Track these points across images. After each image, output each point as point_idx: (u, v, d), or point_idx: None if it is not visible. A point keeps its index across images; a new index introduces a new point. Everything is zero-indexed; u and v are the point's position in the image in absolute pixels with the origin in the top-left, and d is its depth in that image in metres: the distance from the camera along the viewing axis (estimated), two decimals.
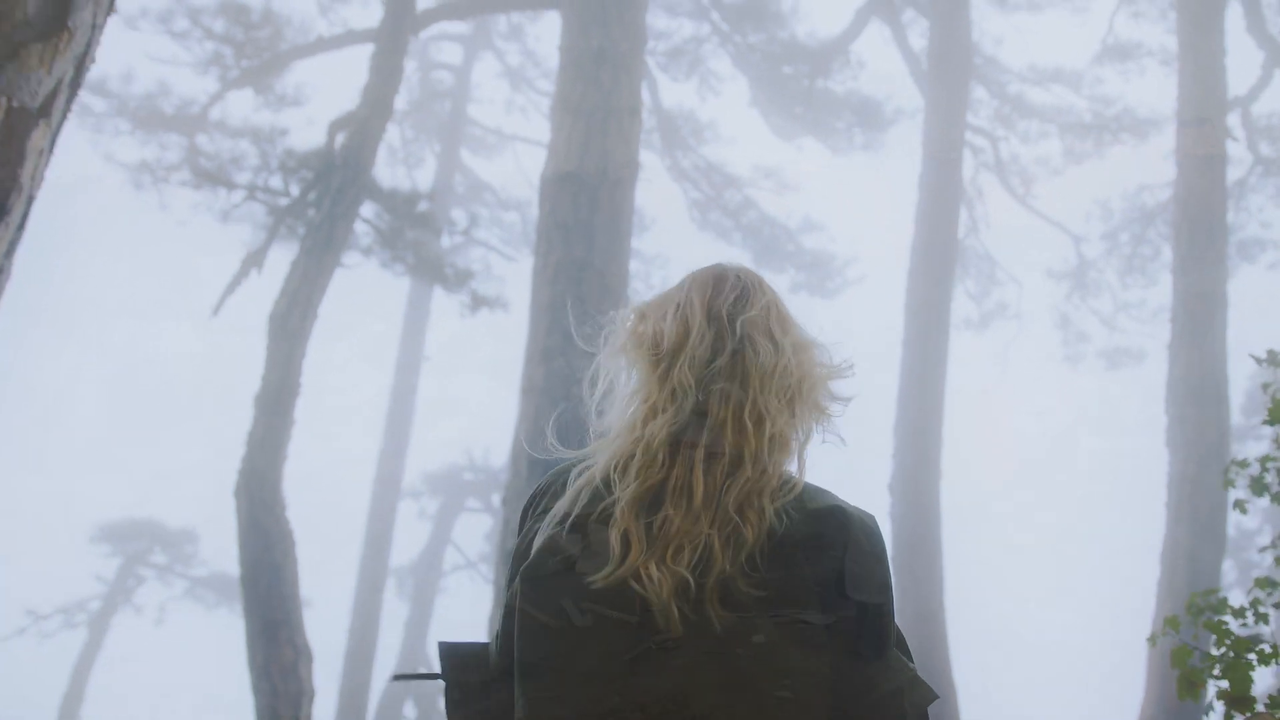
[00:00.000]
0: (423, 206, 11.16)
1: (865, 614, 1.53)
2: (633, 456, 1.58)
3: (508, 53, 22.51)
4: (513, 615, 1.55)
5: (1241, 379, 16.91)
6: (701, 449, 1.58)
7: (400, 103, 23.05)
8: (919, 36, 17.32)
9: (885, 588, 1.57)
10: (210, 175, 11.84)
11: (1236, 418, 16.76)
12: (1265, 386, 5.53)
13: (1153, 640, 3.83)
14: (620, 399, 1.70)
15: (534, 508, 1.71)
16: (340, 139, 10.35)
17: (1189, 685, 3.76)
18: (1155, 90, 17.13)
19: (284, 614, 8.64)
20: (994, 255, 18.82)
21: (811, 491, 1.61)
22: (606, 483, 1.59)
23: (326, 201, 9.70)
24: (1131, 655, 10.77)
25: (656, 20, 20.23)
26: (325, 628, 19.68)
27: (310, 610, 21.75)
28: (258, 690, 8.50)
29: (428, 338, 19.10)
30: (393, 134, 22.55)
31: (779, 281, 21.85)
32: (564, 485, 1.66)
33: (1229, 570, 18.40)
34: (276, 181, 11.13)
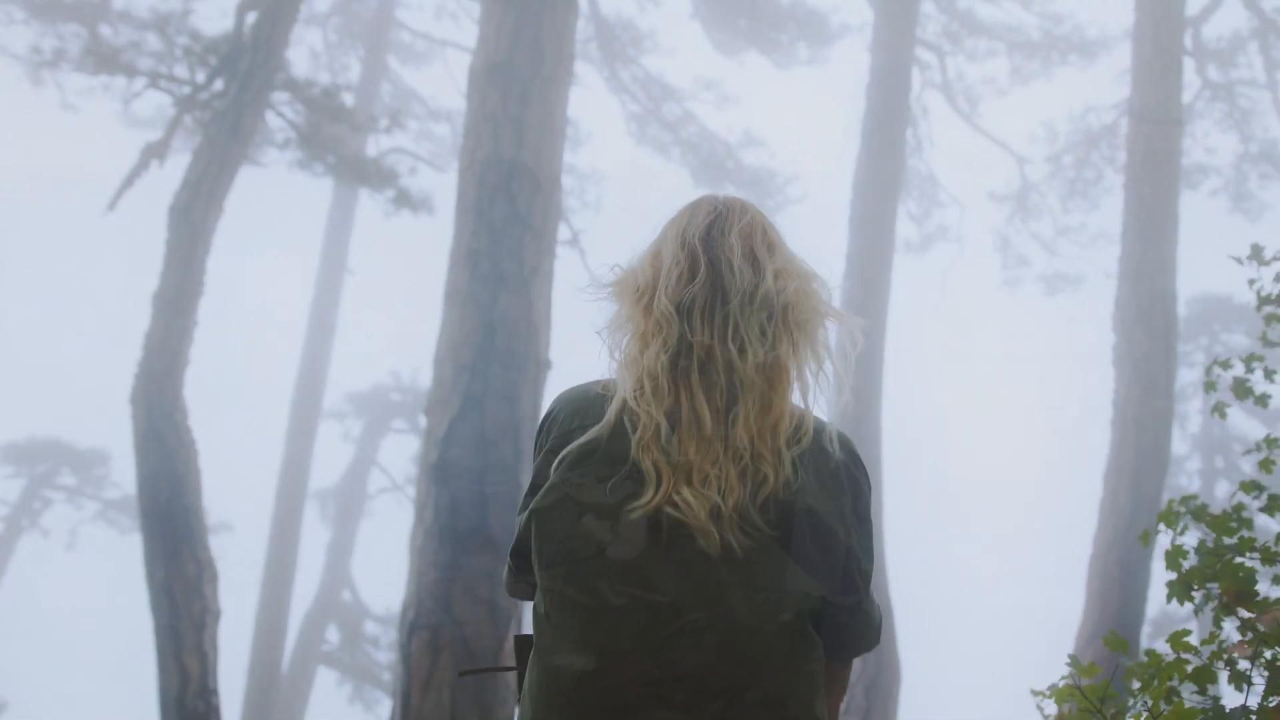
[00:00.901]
0: (342, 99, 10.33)
1: (853, 576, 1.68)
2: (640, 389, 1.60)
3: None
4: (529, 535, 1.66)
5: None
6: (695, 374, 1.60)
7: (322, 3, 21.84)
8: None
9: (869, 552, 1.70)
10: (109, 61, 10.86)
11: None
12: (1251, 283, 5.14)
13: (1144, 538, 3.41)
14: (617, 338, 1.71)
15: (545, 435, 1.73)
16: (250, 20, 9.46)
17: (1184, 588, 3.38)
18: (1107, 6, 16.73)
19: (186, 528, 8.01)
20: (937, 176, 18.46)
21: (823, 451, 1.65)
22: (622, 420, 1.61)
23: (234, 87, 8.86)
24: (1073, 570, 10.62)
25: None
26: (244, 551, 19.08)
27: (230, 534, 21.15)
28: (156, 609, 7.90)
29: (351, 249, 18.24)
30: (314, 37, 21.37)
31: None
32: (573, 416, 1.68)
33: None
34: (182, 70, 10.21)
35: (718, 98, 18.76)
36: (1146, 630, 11.88)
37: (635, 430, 1.59)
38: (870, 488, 1.75)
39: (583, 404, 1.70)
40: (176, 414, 8.17)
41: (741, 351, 1.61)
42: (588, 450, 1.61)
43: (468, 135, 9.72)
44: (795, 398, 1.67)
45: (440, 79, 22.79)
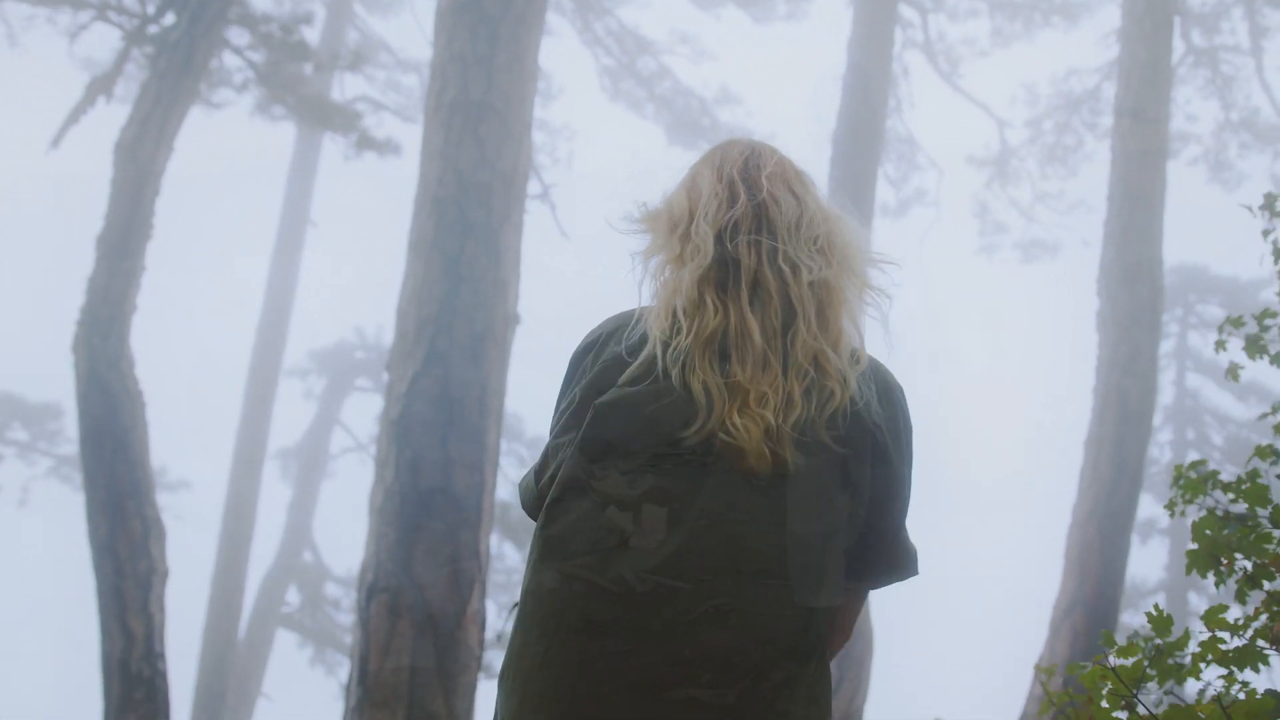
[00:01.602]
0: (302, 35, 9.80)
1: (890, 528, 1.72)
2: (677, 308, 1.59)
3: None
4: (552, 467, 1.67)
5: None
6: (745, 291, 1.59)
7: None
8: None
9: (910, 482, 1.75)
10: None
11: None
12: (1265, 234, 4.84)
13: (1170, 506, 3.10)
14: (652, 268, 1.69)
15: (592, 355, 1.71)
16: None
17: (1211, 560, 3.08)
18: None
19: (131, 484, 7.59)
20: (916, 138, 18.12)
21: (881, 374, 1.70)
22: (663, 340, 1.60)
23: (185, 18, 8.33)
24: (1052, 539, 10.43)
25: None
26: (204, 510, 18.62)
27: (189, 491, 20.64)
28: (99, 569, 7.48)
29: (315, 201, 17.64)
30: None
31: (692, 159, 20.97)
32: (614, 336, 1.67)
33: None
34: (132, 2, 9.63)
35: (694, 52, 18.30)
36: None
37: (680, 353, 1.57)
38: (912, 424, 1.76)
39: (624, 324, 1.68)
40: (122, 363, 7.72)
41: (795, 271, 1.62)
42: (640, 374, 1.59)
43: (434, 77, 9.26)
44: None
45: (409, 28, 22.10)
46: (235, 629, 16.18)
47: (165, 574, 7.75)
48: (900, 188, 18.98)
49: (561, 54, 20.35)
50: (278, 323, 16.66)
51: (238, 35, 10.21)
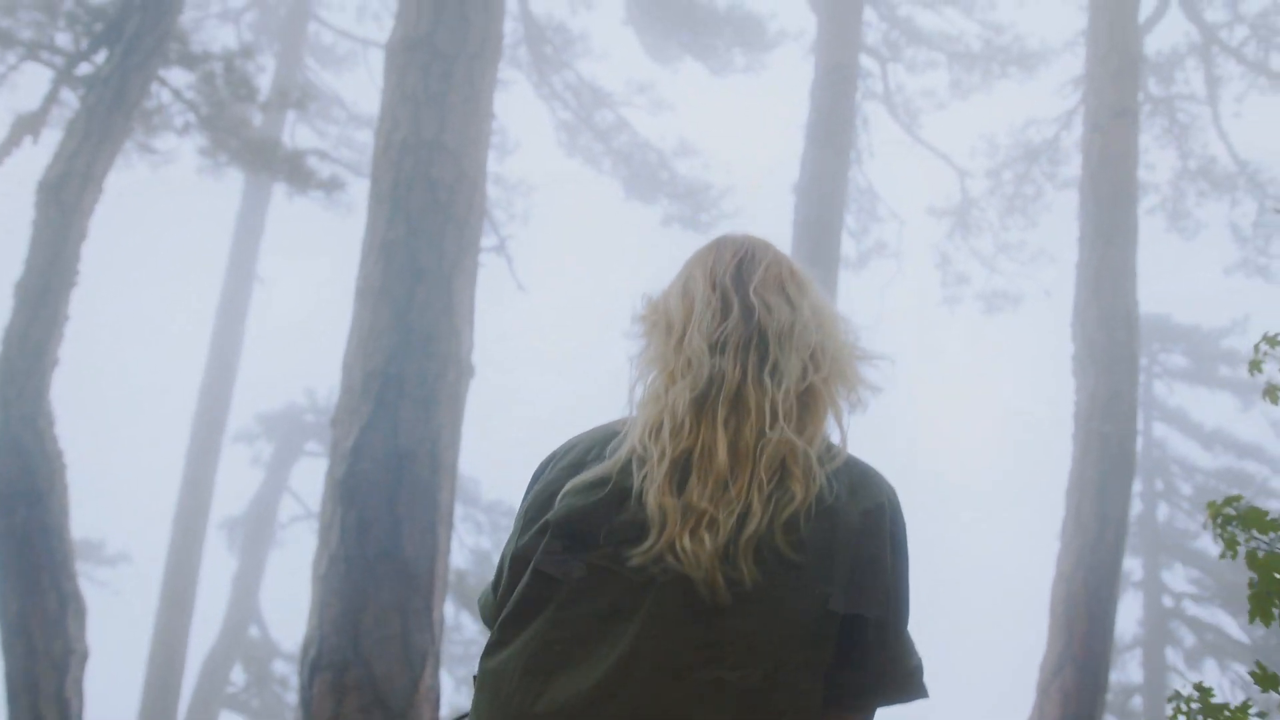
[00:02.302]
0: (246, 73, 9.33)
1: (872, 624, 1.57)
2: (660, 425, 1.58)
3: None
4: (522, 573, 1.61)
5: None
6: (723, 408, 1.57)
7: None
8: None
9: (906, 579, 1.62)
10: None
11: None
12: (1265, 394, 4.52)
13: (1230, 544, 2.64)
14: (643, 374, 1.67)
15: (550, 465, 1.70)
16: None
17: (1266, 603, 2.62)
18: (1049, 16, 16.43)
19: (47, 554, 6.90)
20: (876, 189, 17.94)
21: (859, 468, 1.62)
22: (640, 456, 1.58)
23: (118, 50, 7.84)
24: (1035, 594, 9.96)
25: None
26: (144, 584, 17.64)
27: (129, 565, 19.63)
28: (8, 650, 6.75)
29: (262, 256, 17.03)
30: (226, 35, 20.24)
31: (650, 214, 20.46)
32: (590, 448, 1.66)
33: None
34: (66, 40, 9.13)
35: (651, 103, 18.07)
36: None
37: (650, 472, 1.55)
38: (904, 522, 1.65)
39: (602, 438, 1.67)
40: (40, 420, 7.07)
41: (780, 382, 1.60)
42: (595, 483, 1.58)
43: (384, 116, 8.82)
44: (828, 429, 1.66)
45: (363, 83, 21.72)
46: (174, 711, 15.19)
47: (84, 655, 7.03)
48: (860, 239, 18.75)
49: (518, 108, 20.09)
50: (221, 384, 15.93)
51: (178, 77, 9.74)
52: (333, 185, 10.53)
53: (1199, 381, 19.13)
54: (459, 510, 20.21)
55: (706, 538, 1.50)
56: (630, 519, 1.54)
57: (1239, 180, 16.86)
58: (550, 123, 19.55)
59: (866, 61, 16.51)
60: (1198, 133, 16.63)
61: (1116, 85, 10.58)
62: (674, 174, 18.66)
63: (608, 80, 18.61)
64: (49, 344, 7.19)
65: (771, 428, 1.56)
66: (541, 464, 1.73)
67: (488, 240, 16.18)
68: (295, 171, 10.32)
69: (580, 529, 1.56)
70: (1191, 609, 17.71)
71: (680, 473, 1.55)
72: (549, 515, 1.59)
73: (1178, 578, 18.48)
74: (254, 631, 17.72)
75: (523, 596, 1.56)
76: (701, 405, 1.58)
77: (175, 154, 21.12)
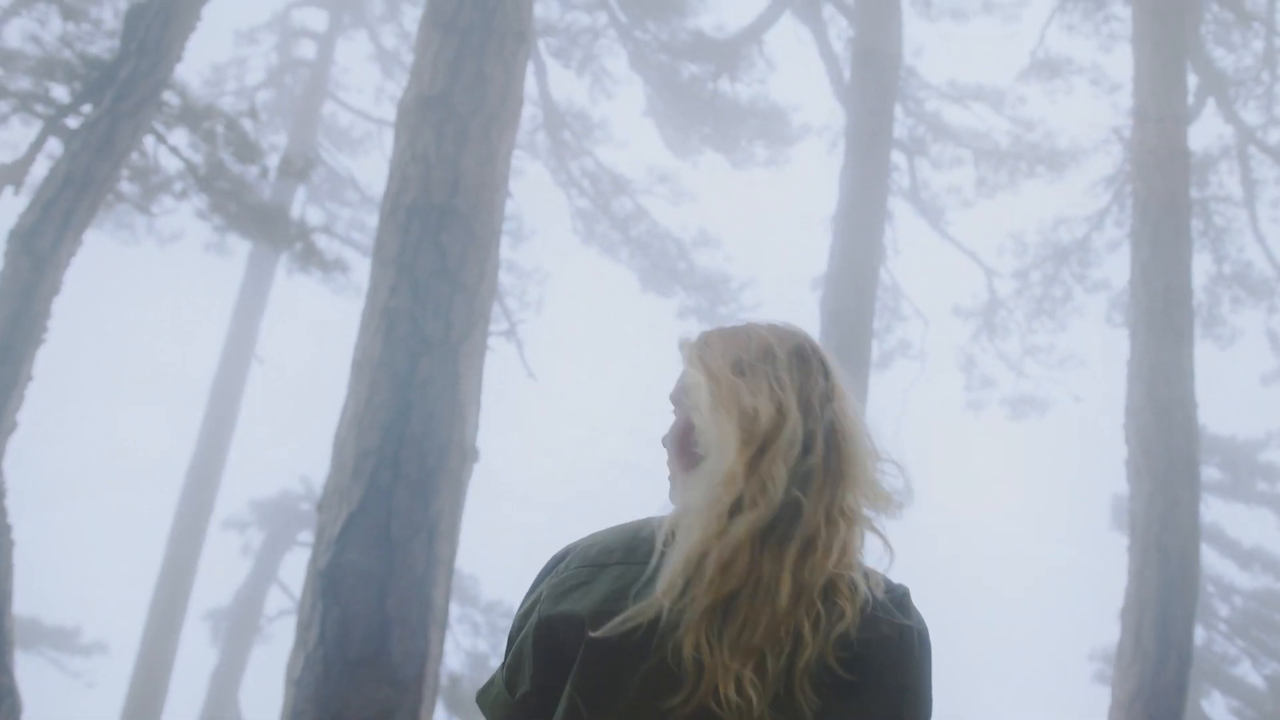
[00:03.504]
0: (246, 131, 8.81)
1: None
2: (705, 557, 1.46)
3: (381, 34, 20.33)
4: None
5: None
6: (795, 545, 1.50)
7: (252, 76, 20.57)
8: (835, 38, 15.91)
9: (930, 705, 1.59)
10: None
11: None
12: None
13: None
14: (701, 471, 1.54)
15: (556, 570, 1.60)
16: (141, 28, 7.96)
17: None
18: (1081, 112, 16.06)
19: None
20: (901, 287, 17.38)
21: (893, 587, 1.60)
22: (683, 584, 1.46)
23: (109, 95, 7.30)
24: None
25: (548, 10, 18.43)
26: (120, 677, 16.59)
27: (104, 657, 18.57)
28: None
29: (262, 335, 16.43)
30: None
31: (666, 306, 19.91)
32: (610, 551, 1.58)
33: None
34: (61, 93, 8.63)
35: (672, 192, 17.66)
36: None
37: (686, 610, 1.45)
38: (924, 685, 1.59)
39: (624, 541, 1.57)
40: None
41: (849, 520, 1.55)
42: (633, 628, 1.45)
43: (392, 177, 8.25)
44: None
45: (378, 166, 21.44)
46: None
47: None
48: (883, 338, 18.14)
49: (534, 195, 19.71)
50: (211, 465, 15.14)
51: (180, 138, 9.24)
52: (336, 265, 9.93)
53: (1235, 497, 18.24)
54: (455, 610, 19.18)
55: (755, 685, 1.44)
56: (660, 667, 1.45)
57: (1277, 286, 16.26)
58: (568, 210, 19.17)
59: (894, 155, 16.10)
60: (1234, 236, 16.10)
61: (1167, 176, 10.02)
62: (692, 265, 18.16)
63: (627, 168, 18.24)
64: (7, 405, 6.48)
65: (837, 565, 1.52)
66: (555, 558, 1.63)
67: (498, 325, 15.60)
68: (297, 243, 9.74)
69: (604, 680, 1.48)
70: None
71: (724, 613, 1.46)
72: (570, 661, 1.50)
73: (1218, 707, 17.32)
74: None
75: None
76: (766, 539, 1.49)
77: (182, 233, 20.81)
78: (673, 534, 1.50)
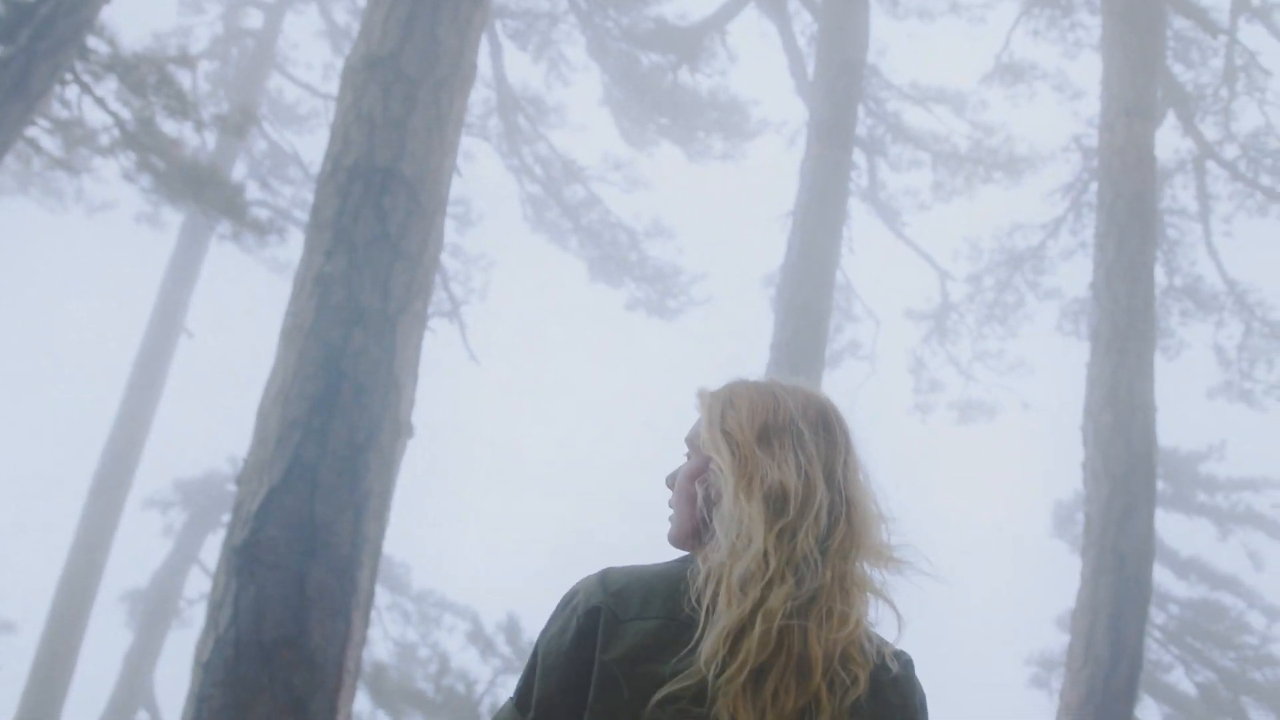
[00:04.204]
0: (179, 83, 8.28)
1: None
2: (744, 630, 1.53)
3: (333, 8, 19.70)
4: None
5: None
6: (817, 614, 1.57)
7: (196, 44, 19.82)
8: (799, 33, 15.66)
9: None
10: None
11: None
12: None
13: None
14: (727, 543, 1.59)
15: (576, 616, 1.63)
16: None
17: None
18: (1042, 119, 15.98)
19: None
20: (854, 286, 17.19)
21: (886, 642, 1.67)
22: (724, 655, 1.53)
23: (26, 32, 6.76)
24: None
25: None
26: (26, 657, 15.81)
27: (12, 635, 17.72)
28: None
29: (193, 308, 15.74)
30: (183, 80, 19.25)
31: (614, 298, 19.54)
32: (649, 602, 1.61)
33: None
34: None
35: (625, 180, 17.29)
36: None
37: (720, 674, 1.52)
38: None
39: (664, 584, 1.62)
40: None
41: (862, 590, 1.62)
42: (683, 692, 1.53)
43: (334, 138, 7.79)
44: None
45: (324, 145, 20.83)
46: None
47: None
48: (834, 339, 17.92)
49: (484, 180, 19.22)
50: (130, 442, 14.43)
51: (106, 88, 8.67)
52: (271, 228, 9.41)
53: (1175, 507, 18.32)
54: (385, 598, 18.63)
55: None
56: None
57: (1226, 301, 16.32)
58: (518, 196, 18.73)
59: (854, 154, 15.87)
60: (1187, 249, 16.13)
61: (1134, 179, 9.87)
62: (644, 256, 17.80)
63: (581, 155, 17.84)
64: None
65: (844, 627, 1.57)
66: (588, 594, 1.63)
67: (441, 304, 15.11)
68: (230, 206, 9.22)
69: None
70: None
71: (756, 682, 1.52)
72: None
73: (1150, 713, 17.35)
74: (143, 717, 15.90)
75: None
76: (794, 612, 1.55)
77: (114, 202, 20.00)
78: (713, 602, 1.55)
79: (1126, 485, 8.57)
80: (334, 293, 7.11)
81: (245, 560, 6.33)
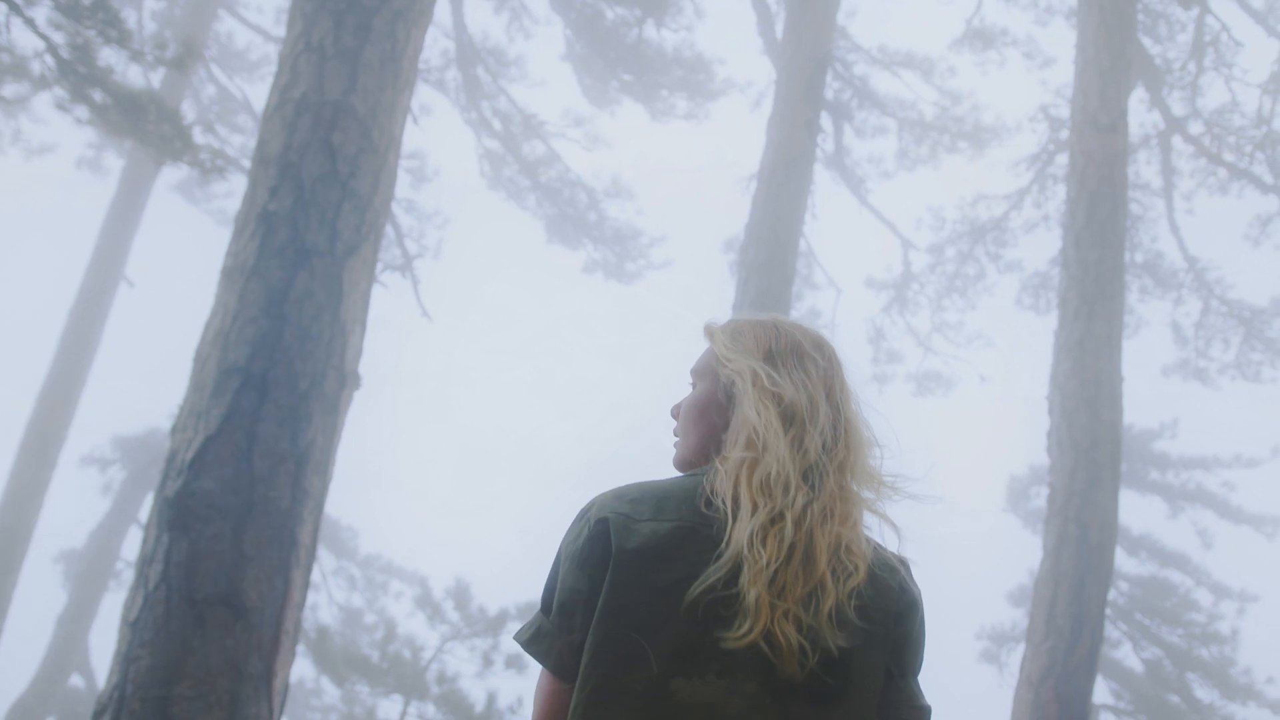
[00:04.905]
0: (116, 11, 7.75)
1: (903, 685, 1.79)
2: (769, 530, 1.67)
3: None
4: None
5: None
6: (822, 512, 1.71)
7: None
8: None
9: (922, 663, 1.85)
10: None
11: None
12: None
13: None
14: (745, 444, 1.73)
15: (616, 508, 1.74)
16: None
17: None
18: (1011, 87, 15.78)
19: None
20: (816, 253, 16.93)
21: (895, 553, 1.83)
22: (755, 545, 1.66)
23: None
24: (993, 704, 8.68)
25: None
26: None
27: None
28: None
29: (133, 256, 15.10)
30: (128, 17, 18.45)
31: (572, 260, 19.15)
32: (662, 506, 1.73)
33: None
34: None
35: (586, 137, 16.84)
36: None
37: (749, 564, 1.65)
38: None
39: (679, 492, 1.73)
40: None
41: (852, 494, 1.76)
42: (716, 583, 1.65)
43: (281, 68, 7.32)
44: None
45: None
46: None
47: None
48: (795, 306, 17.68)
49: (440, 133, 18.69)
50: (63, 397, 13.81)
51: (36, 11, 8.12)
52: (214, 166, 8.91)
53: (1128, 484, 18.38)
54: (331, 563, 18.18)
55: (801, 625, 1.64)
56: (722, 605, 1.64)
57: (1186, 278, 16.30)
58: (475, 151, 18.22)
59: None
60: (1149, 225, 16.06)
61: (1106, 146, 9.66)
62: (602, 216, 17.41)
63: (542, 109, 17.36)
64: None
65: (851, 531, 1.73)
66: (601, 505, 1.74)
67: (393, 256, 14.62)
68: (173, 141, 8.70)
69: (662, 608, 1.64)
70: None
71: (779, 569, 1.65)
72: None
73: (1097, 689, 17.43)
74: (77, 681, 15.39)
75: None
76: (809, 509, 1.69)
77: (54, 145, 19.16)
78: (735, 502, 1.67)
79: (1091, 456, 8.41)
80: (278, 232, 6.70)
81: (178, 513, 5.95)
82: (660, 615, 1.61)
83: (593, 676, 1.62)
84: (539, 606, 1.74)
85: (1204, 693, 16.22)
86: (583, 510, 1.75)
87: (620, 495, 1.73)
